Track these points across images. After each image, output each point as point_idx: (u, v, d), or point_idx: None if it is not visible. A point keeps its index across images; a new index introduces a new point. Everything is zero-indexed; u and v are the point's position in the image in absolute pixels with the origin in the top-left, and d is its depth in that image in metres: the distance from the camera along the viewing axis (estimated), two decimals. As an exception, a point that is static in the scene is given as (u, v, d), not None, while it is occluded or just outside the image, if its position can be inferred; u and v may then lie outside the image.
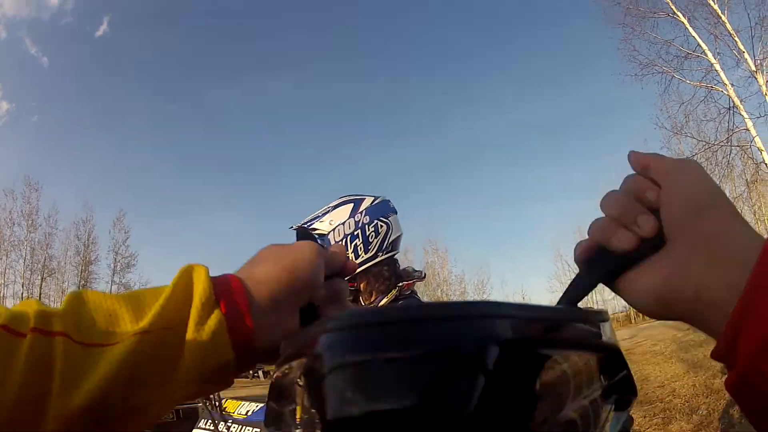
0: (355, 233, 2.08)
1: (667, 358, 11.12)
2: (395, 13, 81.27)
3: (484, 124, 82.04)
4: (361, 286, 2.09)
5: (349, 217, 2.10)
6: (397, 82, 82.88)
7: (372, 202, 2.14)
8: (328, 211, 2.12)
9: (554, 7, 72.38)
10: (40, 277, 51.02)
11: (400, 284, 2.11)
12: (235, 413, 1.65)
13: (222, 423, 1.60)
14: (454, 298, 55.86)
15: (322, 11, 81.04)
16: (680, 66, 18.96)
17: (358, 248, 2.07)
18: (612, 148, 72.94)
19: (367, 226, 2.10)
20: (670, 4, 18.98)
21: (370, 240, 2.10)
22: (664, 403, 6.57)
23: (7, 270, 48.98)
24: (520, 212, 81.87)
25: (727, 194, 0.48)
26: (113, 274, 53.94)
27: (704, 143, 23.85)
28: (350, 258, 1.96)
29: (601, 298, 53.72)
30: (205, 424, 1.68)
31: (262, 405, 1.55)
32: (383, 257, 2.10)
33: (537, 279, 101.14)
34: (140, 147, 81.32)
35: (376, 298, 2.09)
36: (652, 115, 29.68)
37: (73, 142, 77.01)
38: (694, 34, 18.53)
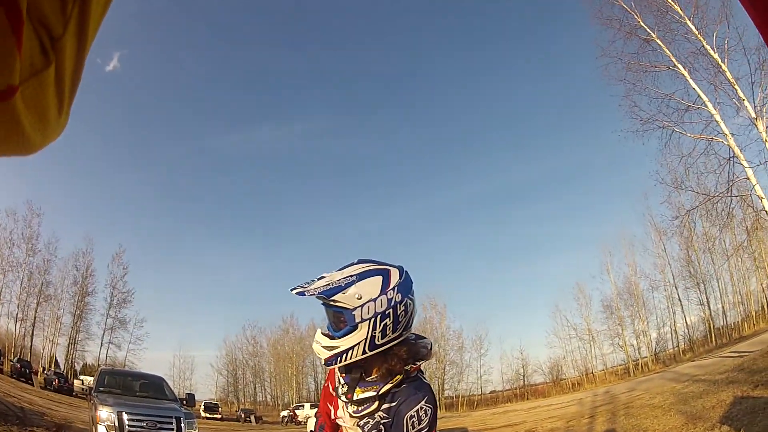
0: (387, 312, 1.86)
1: (665, 411, 10.92)
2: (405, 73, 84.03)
3: (485, 182, 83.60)
4: (374, 370, 1.96)
5: (381, 294, 1.87)
6: (400, 137, 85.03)
7: (400, 276, 1.93)
8: (352, 282, 1.88)
9: (556, 64, 74.89)
10: (36, 301, 50.97)
11: (407, 367, 1.94)
12: None
13: None
14: (452, 353, 55.77)
15: (330, 69, 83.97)
16: (680, 119, 19.11)
17: (387, 328, 1.87)
18: (612, 204, 73.80)
19: (398, 305, 1.89)
20: (671, 56, 19.10)
21: (400, 320, 1.89)
22: (660, 457, 6.19)
23: (3, 289, 49.16)
24: (519, 268, 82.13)
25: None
26: (109, 308, 54.08)
27: (704, 196, 23.89)
28: (376, 338, 1.86)
29: (600, 352, 53.12)
30: None
31: None
32: (405, 336, 1.95)
33: (535, 334, 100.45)
34: (143, 185, 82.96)
35: (383, 382, 1.92)
36: (653, 170, 30.08)
37: (78, 175, 78.20)
38: (694, 85, 18.48)
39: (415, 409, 1.87)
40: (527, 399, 51.14)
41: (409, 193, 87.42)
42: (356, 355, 1.88)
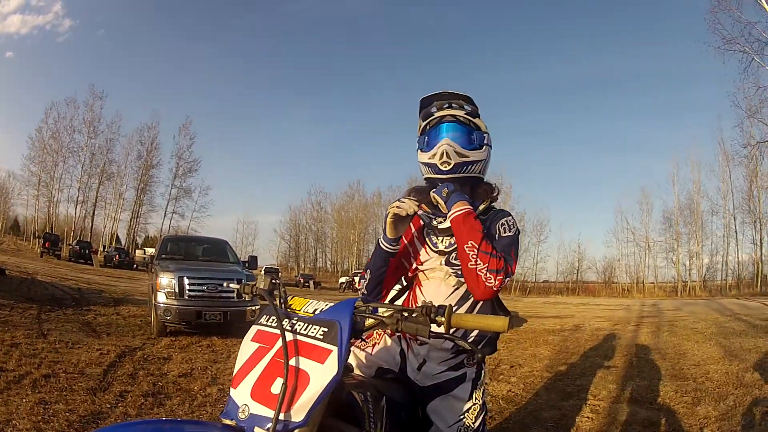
0: (491, 147, 2.13)
1: (706, 339, 11.26)
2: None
3: (567, 66, 79.26)
4: (465, 192, 2.08)
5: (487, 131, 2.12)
6: (485, 8, 79.89)
7: None
8: (477, 113, 2.08)
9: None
10: (98, 181, 53.10)
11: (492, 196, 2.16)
12: (301, 311, 1.49)
13: (286, 320, 1.43)
14: (513, 235, 55.96)
15: None
16: (761, 50, 18.38)
17: (489, 162, 2.13)
18: (686, 113, 70.02)
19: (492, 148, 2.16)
20: (755, -15, 17.63)
21: (489, 164, 2.16)
22: (696, 383, 6.69)
23: (63, 175, 52.15)
24: (588, 161, 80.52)
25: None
26: (174, 178, 56.71)
27: None
28: (487, 163, 2.13)
29: (653, 263, 53.04)
30: (267, 321, 1.49)
31: (330, 304, 1.47)
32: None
33: (594, 230, 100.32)
34: (210, 56, 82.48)
35: (478, 201, 2.11)
36: (729, 92, 28.85)
37: (141, 54, 78.77)
38: None
39: (505, 218, 2.06)
40: (578, 294, 51.67)
41: (482, 69, 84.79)
42: (476, 170, 2.08)
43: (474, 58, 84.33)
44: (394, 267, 2.13)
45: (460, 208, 1.93)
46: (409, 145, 2.25)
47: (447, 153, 1.99)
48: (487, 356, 2.07)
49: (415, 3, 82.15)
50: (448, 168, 2.01)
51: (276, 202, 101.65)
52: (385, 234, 2.01)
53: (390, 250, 2.03)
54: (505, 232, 2.01)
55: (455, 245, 1.99)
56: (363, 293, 2.15)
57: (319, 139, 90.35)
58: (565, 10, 78.73)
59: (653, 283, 52.76)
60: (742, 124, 27.75)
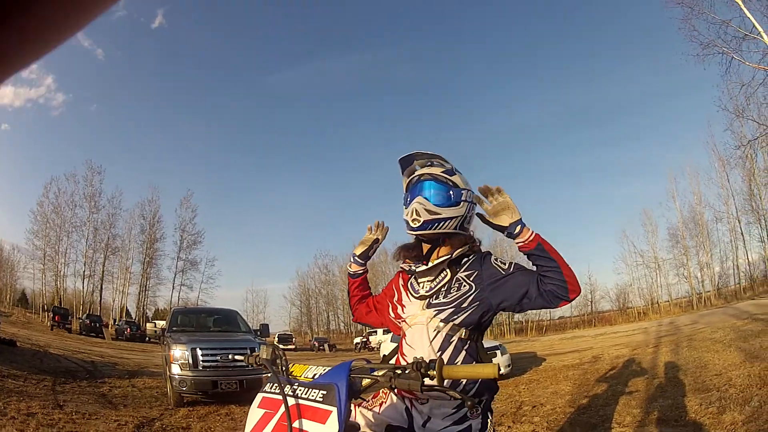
0: (474, 204, 2.18)
1: (726, 347, 11.14)
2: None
3: (552, 105, 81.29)
4: (445, 244, 2.17)
5: (470, 189, 2.20)
6: (460, 60, 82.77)
7: None
8: (454, 170, 2.19)
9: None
10: (103, 255, 51.95)
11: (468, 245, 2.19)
12: (302, 377, 1.62)
13: (288, 386, 1.57)
14: (519, 274, 55.59)
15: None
16: (739, 47, 18.80)
17: (472, 218, 2.20)
18: (678, 129, 71.01)
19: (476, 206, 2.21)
20: (725, -18, 18.49)
21: (472, 218, 2.22)
22: (720, 392, 6.61)
23: (68, 249, 51.29)
24: (586, 193, 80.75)
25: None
26: (179, 251, 55.41)
27: (765, 127, 23.65)
28: (466, 219, 2.17)
29: (665, 282, 52.70)
30: (271, 388, 1.63)
31: (328, 368, 1.59)
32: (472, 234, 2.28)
33: (603, 260, 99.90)
34: (204, 131, 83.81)
35: (452, 251, 2.14)
36: (715, 96, 29.68)
37: (136, 129, 79.84)
38: (749, 15, 18.13)
39: (492, 257, 2.14)
40: (594, 326, 50.94)
41: (477, 117, 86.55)
42: (450, 227, 2.11)
43: (460, 114, 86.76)
44: (370, 308, 2.52)
45: (527, 232, 2.06)
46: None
47: (416, 210, 2.09)
48: (496, 398, 2.14)
49: (404, 62, 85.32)
50: (417, 225, 2.10)
51: (283, 269, 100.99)
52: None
53: (357, 262, 2.48)
54: (504, 264, 2.10)
55: (435, 287, 2.11)
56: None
57: (321, 203, 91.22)
58: (544, 49, 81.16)
59: (668, 301, 52.21)
60: (732, 126, 28.18)
